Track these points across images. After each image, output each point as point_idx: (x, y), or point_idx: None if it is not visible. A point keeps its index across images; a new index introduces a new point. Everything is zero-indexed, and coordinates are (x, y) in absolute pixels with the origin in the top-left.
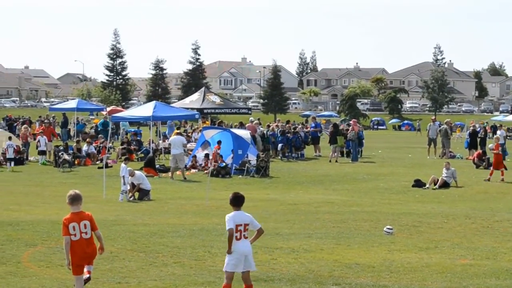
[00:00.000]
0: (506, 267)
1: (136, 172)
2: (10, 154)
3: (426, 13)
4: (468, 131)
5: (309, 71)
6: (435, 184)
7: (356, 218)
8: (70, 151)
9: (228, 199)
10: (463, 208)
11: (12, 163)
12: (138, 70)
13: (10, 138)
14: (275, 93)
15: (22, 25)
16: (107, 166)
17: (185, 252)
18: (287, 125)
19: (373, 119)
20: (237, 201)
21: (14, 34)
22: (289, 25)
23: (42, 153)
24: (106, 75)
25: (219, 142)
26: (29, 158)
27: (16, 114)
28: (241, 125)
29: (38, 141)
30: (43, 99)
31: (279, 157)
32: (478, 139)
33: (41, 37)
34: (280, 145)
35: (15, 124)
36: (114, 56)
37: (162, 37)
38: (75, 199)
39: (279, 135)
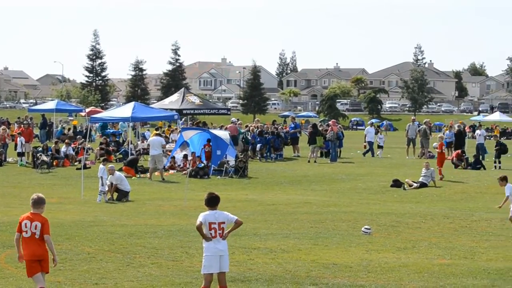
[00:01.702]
0: (484, 267)
1: (116, 172)
2: None
3: (407, 13)
4: (450, 132)
5: (289, 71)
6: (410, 186)
7: (334, 219)
8: (49, 152)
9: (204, 199)
10: (441, 208)
11: None
12: (118, 71)
13: None
14: (254, 94)
15: (1, 25)
16: (85, 167)
17: (162, 253)
18: (273, 125)
19: (352, 119)
20: (211, 202)
21: None
22: (269, 25)
23: (21, 154)
24: (86, 76)
25: (208, 141)
26: (7, 160)
27: None
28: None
29: (21, 142)
30: (22, 100)
31: (258, 158)
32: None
33: (20, 38)
34: (258, 145)
35: None
36: (94, 57)
37: (142, 38)
38: (36, 203)
39: (256, 135)
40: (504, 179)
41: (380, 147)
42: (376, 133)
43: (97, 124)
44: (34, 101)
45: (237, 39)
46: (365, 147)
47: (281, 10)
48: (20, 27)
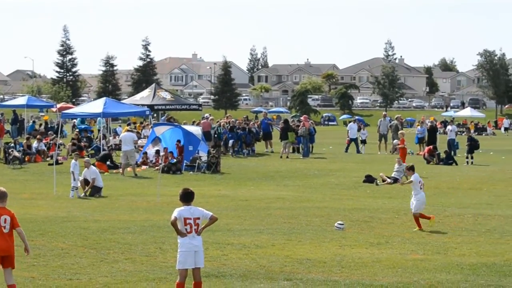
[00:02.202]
0: (456, 262)
1: (92, 166)
2: None
3: (377, 9)
4: (421, 127)
5: (260, 67)
6: (383, 181)
7: (307, 214)
8: (20, 148)
9: (179, 195)
10: None
11: None
12: (89, 66)
13: None
14: (226, 89)
15: None
16: (57, 163)
17: (136, 249)
18: (245, 121)
19: (324, 115)
20: (186, 197)
21: None
22: (240, 21)
23: None
24: (56, 71)
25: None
26: None
27: None
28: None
29: None
30: None
31: (230, 153)
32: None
33: None
34: (230, 141)
35: None
36: (64, 53)
37: (112, 33)
38: (1, 197)
39: (227, 131)
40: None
41: (363, 141)
42: (359, 129)
43: (75, 120)
44: (2, 97)
45: (208, 34)
46: (347, 142)
47: (252, 6)
48: None
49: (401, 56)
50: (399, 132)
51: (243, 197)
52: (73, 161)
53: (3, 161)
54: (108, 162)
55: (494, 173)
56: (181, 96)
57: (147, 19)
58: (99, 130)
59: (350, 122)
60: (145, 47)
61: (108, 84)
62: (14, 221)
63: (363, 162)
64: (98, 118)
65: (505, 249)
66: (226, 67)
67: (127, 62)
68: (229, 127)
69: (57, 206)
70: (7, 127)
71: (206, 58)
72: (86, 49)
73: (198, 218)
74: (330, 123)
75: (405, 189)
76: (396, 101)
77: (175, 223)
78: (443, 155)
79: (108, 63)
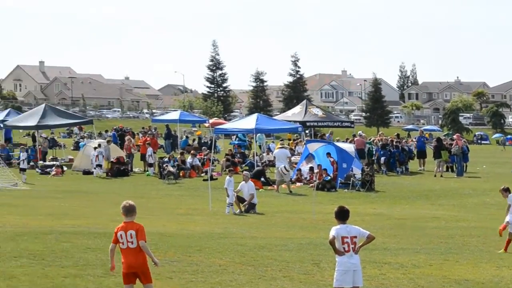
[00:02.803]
0: None
1: (250, 181)
2: (100, 160)
3: None
4: None
5: (410, 84)
6: None
7: (464, 234)
8: (175, 163)
9: (334, 213)
10: None
11: (99, 168)
12: (239, 82)
13: (99, 145)
14: (376, 106)
15: (123, 36)
16: (212, 178)
17: (294, 266)
18: (397, 139)
19: (476, 133)
20: (342, 215)
21: (114, 45)
22: (389, 38)
23: (151, 165)
24: (207, 86)
25: (328, 154)
26: (133, 170)
27: (118, 125)
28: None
29: (150, 154)
30: (145, 110)
31: (382, 171)
32: None
33: (140, 48)
34: (382, 158)
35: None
36: (214, 68)
37: (262, 48)
38: (129, 211)
39: (380, 148)
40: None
41: None
42: None
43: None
44: (150, 112)
45: (357, 51)
46: None
47: (401, 23)
48: (141, 38)
49: None
50: None
51: (398, 216)
52: (227, 177)
53: (158, 175)
54: (262, 179)
55: None
56: (332, 112)
57: (296, 35)
58: (260, 146)
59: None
60: (295, 63)
61: (259, 100)
62: (138, 234)
63: None
64: (258, 134)
65: None
66: (376, 84)
67: (277, 78)
68: (381, 144)
69: (213, 222)
70: (161, 141)
71: (356, 74)
72: (235, 65)
73: (355, 237)
74: (483, 141)
75: None
76: None
77: (333, 242)
78: None
79: (258, 78)
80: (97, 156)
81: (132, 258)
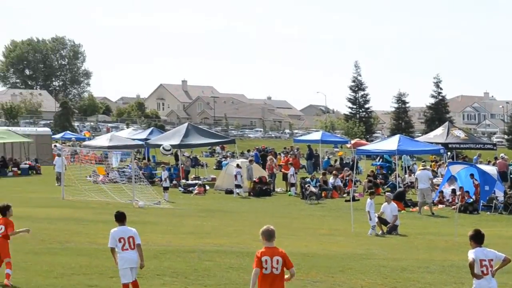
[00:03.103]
0: None
1: (393, 202)
2: (239, 180)
3: None
4: None
5: None
6: None
7: None
8: (317, 184)
9: (469, 235)
10: None
11: (238, 188)
12: (381, 103)
13: (237, 165)
14: None
15: (264, 57)
16: (354, 199)
17: None
18: None
19: None
20: (479, 238)
21: (256, 65)
22: None
23: (293, 185)
24: (349, 107)
25: (471, 176)
26: (275, 189)
27: (260, 145)
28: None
29: (292, 174)
30: (287, 130)
31: None
32: None
33: (283, 68)
34: None
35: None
36: (356, 89)
37: (404, 70)
38: (271, 236)
39: None
40: None
41: None
42: None
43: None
44: (291, 132)
45: (500, 73)
46: None
47: None
48: (283, 59)
49: None
50: None
51: None
52: (368, 200)
53: (300, 196)
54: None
55: None
56: (475, 134)
57: (438, 56)
58: (408, 167)
59: None
60: (437, 85)
61: (401, 121)
62: (287, 262)
63: None
64: (403, 156)
65: None
66: None
67: (419, 99)
68: None
69: (356, 243)
70: (303, 162)
71: (498, 97)
72: (377, 86)
73: (492, 260)
74: None
75: None
76: None
77: (472, 265)
78: None
79: (400, 100)
80: (235, 176)
81: (276, 284)
